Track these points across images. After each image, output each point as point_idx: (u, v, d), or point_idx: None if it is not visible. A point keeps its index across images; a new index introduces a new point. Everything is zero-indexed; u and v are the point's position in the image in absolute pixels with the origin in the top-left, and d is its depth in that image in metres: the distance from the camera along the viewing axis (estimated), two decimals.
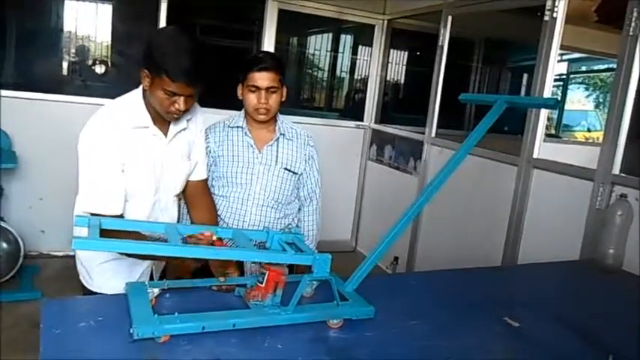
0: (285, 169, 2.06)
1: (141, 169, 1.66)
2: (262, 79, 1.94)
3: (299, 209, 2.18)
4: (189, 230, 1.61)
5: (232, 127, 2.05)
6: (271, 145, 2.05)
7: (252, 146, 2.03)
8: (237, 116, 2.07)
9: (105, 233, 1.45)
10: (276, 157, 2.05)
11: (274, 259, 1.33)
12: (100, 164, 1.57)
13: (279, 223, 2.06)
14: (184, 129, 1.76)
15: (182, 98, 1.56)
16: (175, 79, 1.50)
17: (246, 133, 2.03)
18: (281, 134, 2.07)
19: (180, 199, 1.89)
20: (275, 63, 1.97)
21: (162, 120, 1.67)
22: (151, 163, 1.68)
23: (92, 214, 1.52)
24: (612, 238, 2.13)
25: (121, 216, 1.61)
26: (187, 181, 1.84)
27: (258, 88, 1.95)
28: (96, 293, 1.72)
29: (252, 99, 1.97)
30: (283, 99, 2.02)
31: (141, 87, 1.64)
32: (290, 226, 2.10)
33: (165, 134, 1.70)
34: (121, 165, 1.60)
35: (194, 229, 1.64)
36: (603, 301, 1.85)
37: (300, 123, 2.33)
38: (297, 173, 2.09)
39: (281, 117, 2.11)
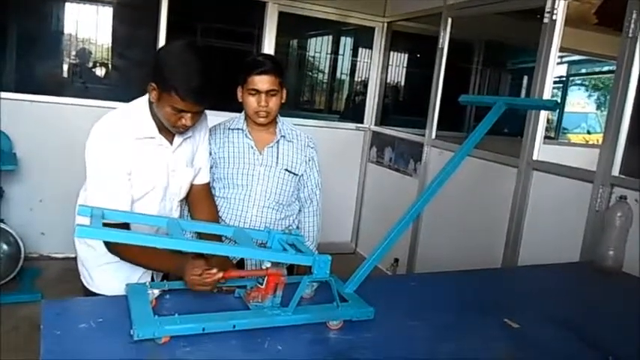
0: (286, 170, 2.06)
1: (147, 177, 1.67)
2: (262, 82, 1.94)
3: (299, 210, 2.18)
4: (191, 226, 1.62)
5: (233, 129, 2.06)
6: (272, 146, 2.05)
7: (252, 148, 2.04)
8: (237, 118, 2.08)
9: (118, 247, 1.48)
10: (277, 158, 2.05)
11: (275, 257, 1.33)
12: (108, 172, 1.58)
13: (279, 224, 2.06)
14: (189, 137, 1.77)
15: (189, 115, 1.57)
16: (185, 98, 1.51)
17: (246, 135, 2.04)
18: (282, 136, 2.07)
19: (182, 202, 1.90)
20: (274, 66, 1.97)
21: (168, 129, 1.68)
22: (157, 172, 1.69)
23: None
24: (612, 239, 2.14)
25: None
26: (190, 185, 1.85)
27: (258, 92, 1.95)
28: (96, 294, 1.73)
29: (252, 102, 1.97)
30: (283, 101, 2.03)
31: (146, 96, 1.65)
32: (290, 227, 2.10)
33: (171, 142, 1.71)
34: (127, 174, 1.61)
35: (196, 225, 1.65)
36: (603, 302, 1.86)
37: (301, 125, 2.34)
38: (297, 174, 2.09)
39: (281, 119, 2.11)
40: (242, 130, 2.05)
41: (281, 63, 2.06)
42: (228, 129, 2.06)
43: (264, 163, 2.04)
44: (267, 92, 1.95)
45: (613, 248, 2.13)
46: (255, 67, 1.95)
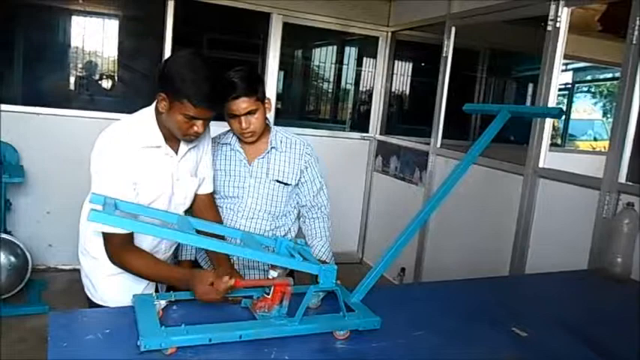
0: (277, 181, 2.04)
1: (153, 187, 1.68)
2: (237, 105, 1.89)
3: (306, 218, 2.15)
4: (200, 225, 1.62)
5: (223, 144, 2.06)
6: (262, 157, 2.04)
7: (242, 160, 2.03)
8: (227, 132, 2.06)
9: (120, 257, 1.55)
10: (267, 169, 2.04)
11: (282, 262, 1.34)
12: (112, 183, 1.58)
13: (270, 235, 2.04)
14: (194, 147, 1.78)
15: (200, 122, 1.60)
16: (197, 105, 1.53)
17: (233, 148, 2.04)
18: (272, 147, 2.04)
19: (185, 212, 1.90)
20: (248, 85, 1.90)
21: (174, 138, 1.69)
22: (162, 181, 1.70)
23: (104, 232, 1.56)
24: (620, 246, 2.12)
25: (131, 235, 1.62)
26: (195, 195, 1.86)
27: (237, 115, 1.93)
28: (100, 306, 1.73)
29: (235, 124, 1.95)
30: (268, 112, 1.99)
31: (152, 106, 1.66)
32: (285, 238, 2.07)
33: (176, 152, 1.72)
34: (133, 184, 1.62)
35: (205, 225, 1.64)
36: (612, 309, 1.84)
37: (306, 135, 2.32)
38: (289, 184, 2.07)
39: (275, 128, 2.09)
40: (230, 144, 2.05)
41: (256, 76, 1.98)
42: (219, 143, 2.06)
43: (254, 174, 2.03)
44: (245, 114, 1.92)
45: (621, 255, 2.12)
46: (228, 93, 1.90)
